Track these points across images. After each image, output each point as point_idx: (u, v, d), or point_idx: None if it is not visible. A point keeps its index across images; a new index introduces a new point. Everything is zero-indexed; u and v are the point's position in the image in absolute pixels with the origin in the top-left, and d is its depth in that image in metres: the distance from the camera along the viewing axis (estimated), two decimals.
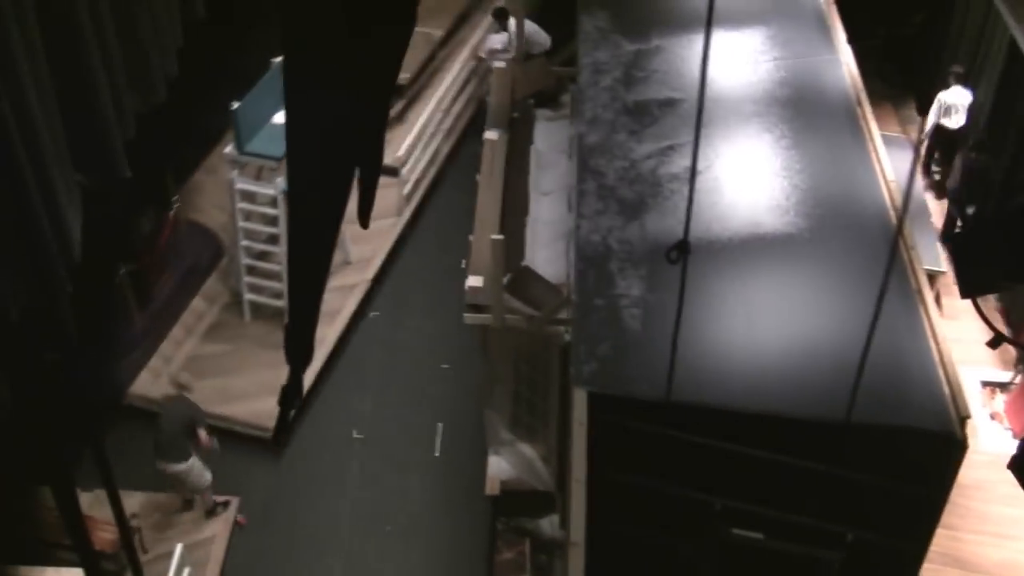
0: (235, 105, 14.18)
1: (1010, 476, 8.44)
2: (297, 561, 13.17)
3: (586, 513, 8.42)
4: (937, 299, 11.24)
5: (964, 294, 6.49)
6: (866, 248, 9.00)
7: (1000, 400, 13.08)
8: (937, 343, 8.26)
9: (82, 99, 10.22)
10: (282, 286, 15.04)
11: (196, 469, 12.89)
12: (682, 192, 9.57)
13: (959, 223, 13.94)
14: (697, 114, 6.22)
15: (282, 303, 15.07)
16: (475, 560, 13.01)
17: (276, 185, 14.59)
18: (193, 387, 13.11)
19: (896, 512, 8.01)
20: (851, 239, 9.17)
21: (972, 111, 15.86)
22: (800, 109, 10.59)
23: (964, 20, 16.41)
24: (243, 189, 14.99)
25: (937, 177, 16.59)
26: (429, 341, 15.69)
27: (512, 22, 16.72)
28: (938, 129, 16.17)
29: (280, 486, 13.83)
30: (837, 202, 9.52)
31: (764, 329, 8.40)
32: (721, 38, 11.25)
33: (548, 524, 12.10)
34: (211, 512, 13.29)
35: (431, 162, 18.61)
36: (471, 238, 11.44)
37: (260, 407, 13.82)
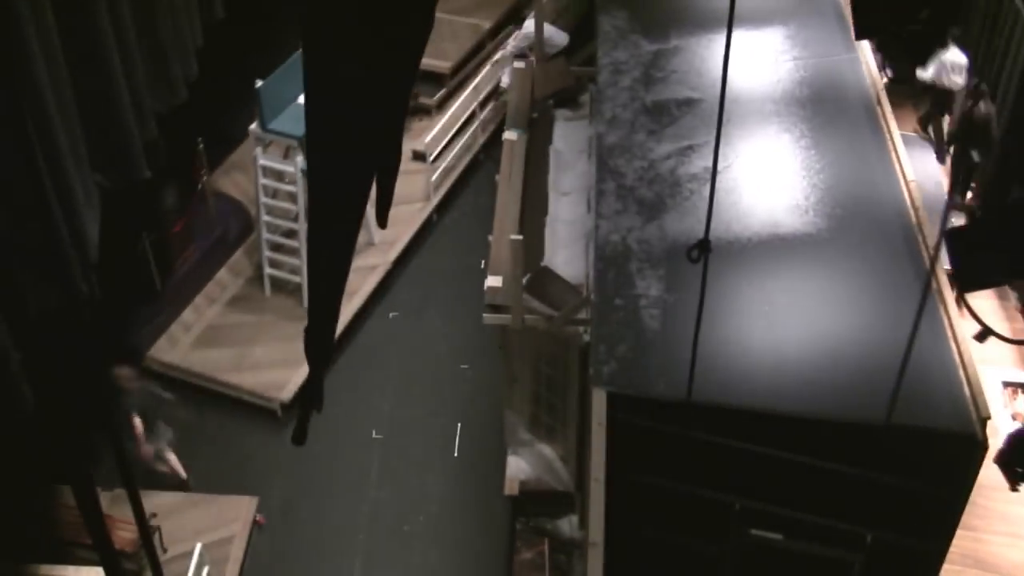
0: (259, 83, 14.44)
1: None
2: (316, 560, 13.19)
3: (605, 513, 8.42)
4: (958, 300, 11.20)
5: (961, 289, 6.48)
6: (886, 248, 8.98)
7: (1022, 400, 13.02)
8: (958, 343, 8.23)
9: (101, 100, 10.26)
10: (301, 263, 15.40)
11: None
12: (701, 192, 9.56)
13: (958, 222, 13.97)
14: (719, 114, 6.22)
15: (300, 279, 15.51)
16: (494, 560, 13.00)
17: (296, 163, 14.80)
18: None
19: (916, 513, 7.99)
20: (871, 239, 9.15)
21: (970, 71, 15.93)
22: (820, 109, 10.56)
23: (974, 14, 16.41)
24: (265, 165, 15.26)
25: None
26: (448, 341, 15.69)
27: (530, 23, 16.73)
28: (937, 90, 16.26)
29: (299, 486, 13.85)
30: (857, 202, 9.50)
31: (783, 329, 8.38)
32: (740, 38, 11.23)
33: (567, 524, 12.10)
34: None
35: (466, 151, 18.61)
36: (490, 238, 11.44)
37: (269, 378, 14.52)
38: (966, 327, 8.44)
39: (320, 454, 13.89)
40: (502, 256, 10.78)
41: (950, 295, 8.70)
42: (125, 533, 11.83)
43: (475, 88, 18.65)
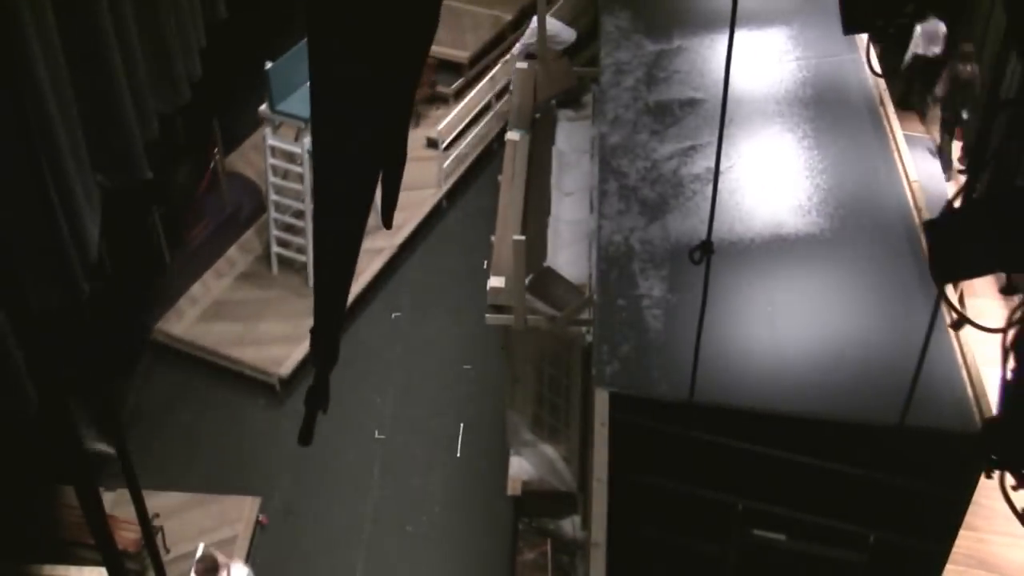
0: (269, 65, 14.73)
1: None
2: (318, 561, 13.20)
3: (607, 514, 8.42)
4: (961, 299, 11.18)
5: (938, 280, 6.47)
6: (888, 248, 8.97)
7: None
8: (960, 344, 8.23)
9: (102, 100, 10.26)
10: (307, 243, 15.76)
11: None
12: (704, 192, 9.56)
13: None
14: (721, 114, 6.21)
15: (306, 258, 15.88)
16: (496, 560, 13.01)
17: (304, 145, 15.01)
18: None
19: (919, 513, 7.99)
20: (873, 239, 9.15)
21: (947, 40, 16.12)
22: (822, 109, 10.56)
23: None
24: (274, 146, 15.57)
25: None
26: (451, 342, 15.70)
27: (534, 19, 16.71)
28: (917, 59, 16.37)
29: (302, 486, 13.86)
30: (860, 202, 9.50)
31: (786, 330, 8.38)
32: (743, 38, 11.22)
33: (570, 524, 12.10)
34: None
35: (479, 140, 18.72)
36: (493, 238, 11.44)
37: (269, 354, 15.03)
38: (970, 328, 8.43)
39: (323, 454, 13.90)
40: (505, 256, 10.77)
41: (954, 295, 8.70)
42: (128, 533, 11.85)
43: (492, 79, 18.74)
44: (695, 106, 10.61)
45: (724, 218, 9.22)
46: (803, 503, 8.14)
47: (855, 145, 10.17)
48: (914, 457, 7.76)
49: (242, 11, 12.88)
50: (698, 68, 11.10)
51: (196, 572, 11.35)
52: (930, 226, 6.20)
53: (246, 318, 15.76)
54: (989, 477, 7.22)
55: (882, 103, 10.63)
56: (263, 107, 15.34)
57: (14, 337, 8.78)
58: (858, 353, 8.08)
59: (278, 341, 15.21)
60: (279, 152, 15.68)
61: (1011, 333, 5.57)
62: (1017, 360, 5.52)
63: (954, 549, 8.19)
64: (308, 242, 15.66)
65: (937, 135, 16.51)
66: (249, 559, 12.91)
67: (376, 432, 14.49)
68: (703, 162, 9.91)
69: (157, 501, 12.38)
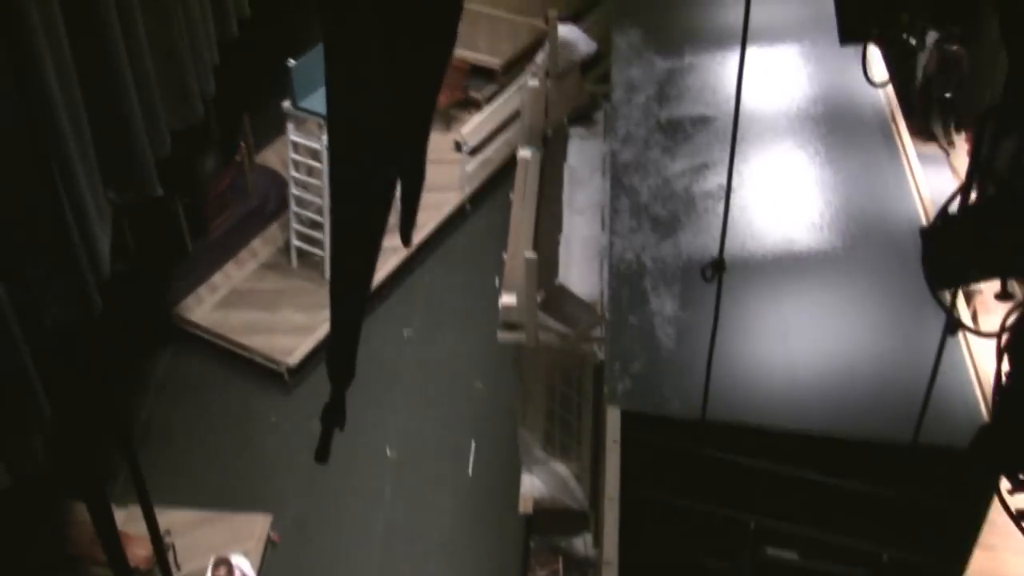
0: (292, 63, 15.11)
1: None
2: None
3: (619, 532, 8.40)
4: (974, 317, 11.13)
5: (932, 286, 6.45)
6: (901, 265, 8.95)
7: None
8: (974, 360, 8.20)
9: (114, 118, 10.30)
10: (324, 237, 16.16)
11: None
12: (715, 210, 9.55)
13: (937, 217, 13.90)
14: (732, 131, 6.21)
15: (324, 253, 16.18)
16: None
17: (322, 141, 15.29)
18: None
19: (933, 531, 7.95)
20: (886, 256, 9.13)
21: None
22: (834, 126, 10.55)
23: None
24: (296, 141, 16.07)
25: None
26: (462, 359, 15.70)
27: (562, 28, 16.73)
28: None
29: (313, 504, 13.86)
30: (872, 219, 9.48)
31: (799, 347, 8.36)
32: (755, 55, 11.22)
33: (581, 543, 12.07)
34: None
35: (505, 146, 18.70)
36: (504, 256, 11.44)
37: (279, 343, 15.57)
38: (984, 345, 8.41)
39: (334, 472, 13.80)
40: (516, 274, 10.77)
41: (967, 312, 8.67)
42: (139, 550, 11.84)
43: (522, 87, 18.66)
44: (707, 123, 10.61)
45: (736, 235, 9.21)
46: (816, 521, 8.11)
47: (867, 162, 10.15)
48: (927, 474, 7.73)
49: (278, 5, 13.08)
50: (710, 85, 11.10)
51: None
52: (925, 232, 6.19)
53: (262, 307, 16.27)
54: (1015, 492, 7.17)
55: (894, 119, 10.62)
56: (286, 103, 15.74)
57: (29, 353, 8.81)
58: (871, 370, 8.06)
59: (290, 331, 15.72)
60: (301, 148, 16.13)
61: (1005, 337, 5.54)
62: (1012, 364, 5.50)
63: (969, 568, 8.15)
64: (326, 237, 16.03)
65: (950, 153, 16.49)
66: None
67: (387, 450, 14.49)
68: (715, 179, 9.91)
69: (168, 518, 12.37)
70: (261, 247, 17.31)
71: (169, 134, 11.35)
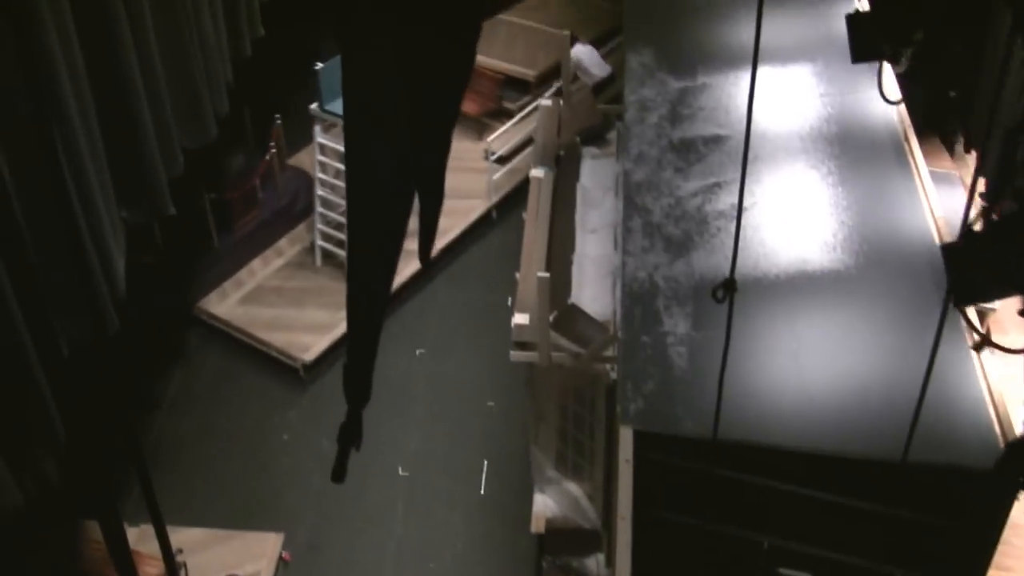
0: (319, 65, 15.45)
1: None
2: None
3: (632, 552, 8.38)
4: (988, 333, 11.11)
5: (958, 303, 6.43)
6: (914, 285, 8.94)
7: None
8: (987, 380, 8.18)
9: (128, 137, 10.35)
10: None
11: None
12: (728, 229, 9.55)
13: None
14: (744, 151, 6.22)
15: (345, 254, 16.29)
16: None
17: None
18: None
19: (946, 552, 7.92)
20: (899, 276, 9.12)
21: None
22: (847, 145, 10.55)
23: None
24: (323, 143, 16.46)
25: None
26: (475, 379, 15.69)
27: (579, 48, 16.80)
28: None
29: (325, 523, 13.84)
30: (885, 239, 9.47)
31: (811, 367, 8.34)
32: (767, 74, 11.24)
33: (594, 563, 12.02)
34: None
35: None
36: (517, 275, 11.45)
37: (297, 340, 15.88)
38: (998, 364, 8.39)
39: (346, 491, 13.79)
40: (529, 293, 10.77)
41: (980, 331, 8.64)
42: (151, 569, 11.84)
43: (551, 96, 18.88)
44: (720, 143, 10.62)
45: (748, 255, 9.21)
46: (829, 541, 8.08)
47: (880, 181, 10.15)
48: (941, 495, 7.70)
49: (318, 5, 13.26)
50: (723, 105, 11.11)
51: None
52: (947, 249, 6.19)
53: (284, 305, 16.57)
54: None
55: (907, 139, 10.62)
56: (313, 106, 16.07)
57: (44, 374, 8.83)
58: (883, 390, 8.04)
59: (309, 329, 15.99)
60: (328, 150, 16.46)
61: None
62: None
63: None
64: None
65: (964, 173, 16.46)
66: None
67: (400, 469, 14.48)
68: (728, 199, 9.91)
69: (180, 536, 12.37)
70: (288, 246, 17.60)
71: (182, 153, 11.40)
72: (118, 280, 10.08)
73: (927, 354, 8.01)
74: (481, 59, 19.74)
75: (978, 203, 15.86)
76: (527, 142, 18.56)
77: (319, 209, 16.94)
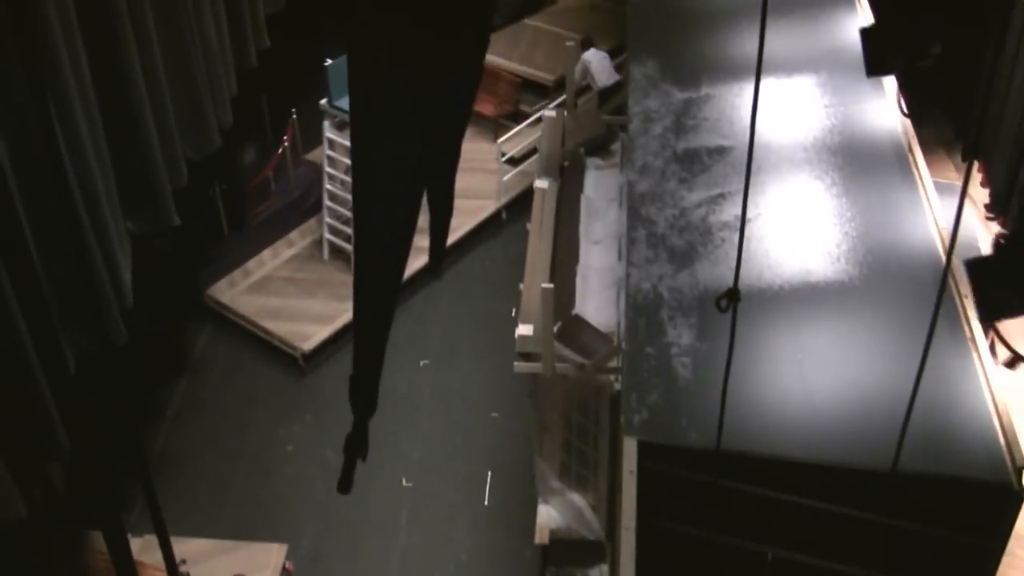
0: (329, 62, 15.82)
1: None
2: None
3: (636, 562, 8.36)
4: (992, 347, 11.10)
5: (986, 318, 6.43)
6: (918, 296, 8.92)
7: None
8: (992, 391, 8.17)
9: (133, 149, 10.38)
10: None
11: None
12: (732, 240, 9.55)
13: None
14: (747, 161, 6.22)
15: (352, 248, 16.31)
16: None
17: None
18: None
19: (951, 564, 7.90)
20: (903, 287, 9.11)
21: None
22: (851, 156, 10.55)
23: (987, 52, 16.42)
24: (332, 138, 16.87)
25: (994, 226, 16.40)
26: (478, 390, 15.69)
27: (588, 54, 16.86)
28: None
29: (328, 533, 13.83)
30: (889, 249, 9.47)
31: (816, 378, 8.33)
32: (771, 85, 11.25)
33: (598, 573, 12.01)
34: None
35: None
36: (521, 286, 11.45)
37: (299, 329, 16.36)
38: (1002, 375, 8.38)
39: (350, 502, 13.81)
40: (533, 304, 10.77)
41: (984, 343, 8.64)
42: None
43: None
44: (723, 154, 10.63)
45: (753, 266, 9.21)
46: (833, 553, 8.07)
47: (884, 192, 10.15)
48: (945, 507, 7.69)
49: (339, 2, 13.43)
50: (726, 116, 11.12)
51: None
52: (972, 265, 6.19)
53: (289, 295, 17.06)
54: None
55: (910, 150, 10.62)
56: (323, 101, 16.46)
57: (48, 385, 8.84)
58: (887, 401, 8.02)
59: (311, 319, 16.48)
60: (338, 146, 16.78)
61: None
62: None
63: None
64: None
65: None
66: None
67: (403, 479, 14.48)
68: (732, 210, 9.91)
69: (184, 547, 12.37)
70: (299, 238, 18.07)
71: (185, 164, 11.43)
72: (125, 291, 10.10)
73: (932, 365, 8.02)
74: (500, 62, 20.03)
75: (981, 214, 15.91)
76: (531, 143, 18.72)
77: (327, 203, 17.31)
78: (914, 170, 10.41)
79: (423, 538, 13.84)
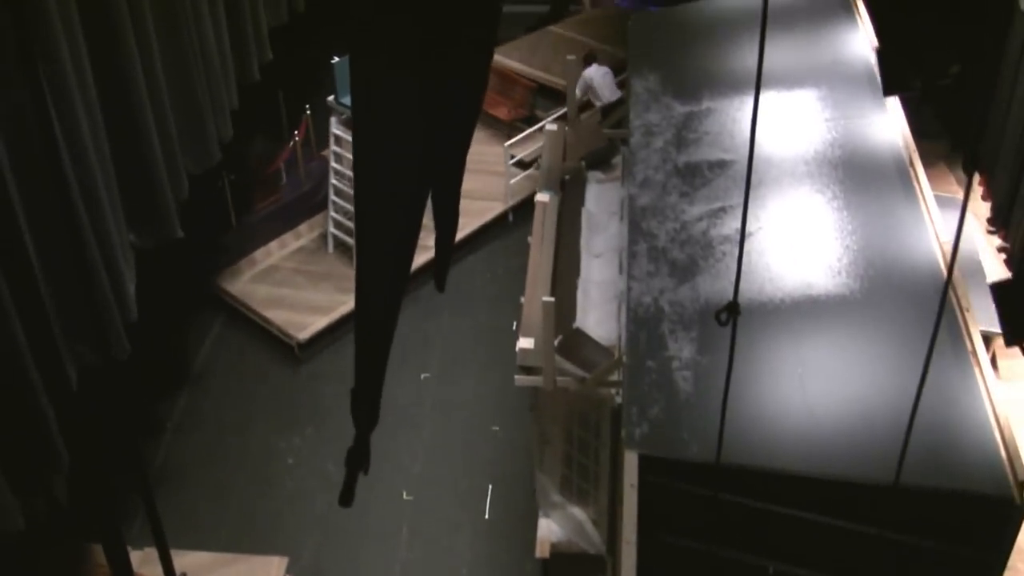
0: (336, 59, 16.14)
1: None
2: None
3: None
4: (993, 361, 11.10)
5: (1010, 342, 6.44)
6: (919, 309, 8.93)
7: None
8: (993, 405, 8.16)
9: (137, 163, 10.41)
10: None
11: None
12: (733, 254, 9.56)
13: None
14: (747, 175, 6.22)
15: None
16: None
17: None
18: None
19: None
20: (904, 300, 9.11)
21: None
22: (852, 170, 10.56)
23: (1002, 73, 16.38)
24: (337, 134, 17.16)
25: (999, 241, 16.43)
26: (479, 403, 15.68)
27: (591, 69, 16.91)
28: None
29: (329, 547, 13.81)
30: (889, 263, 9.47)
31: (816, 391, 8.33)
32: (772, 99, 11.26)
33: None
34: None
35: None
36: (522, 300, 11.45)
37: (297, 319, 16.66)
38: (1003, 389, 8.37)
39: (350, 515, 13.79)
40: (534, 318, 10.78)
41: (986, 356, 8.64)
42: None
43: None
44: (724, 167, 10.63)
45: (754, 279, 9.21)
46: (834, 566, 8.05)
47: (885, 206, 10.15)
48: (947, 520, 7.68)
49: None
50: (727, 129, 11.13)
51: None
52: (996, 289, 6.20)
53: (291, 286, 17.36)
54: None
55: (911, 163, 10.62)
56: (330, 98, 16.80)
57: (49, 398, 8.84)
58: (888, 415, 8.02)
59: (308, 310, 16.77)
60: (344, 142, 17.00)
61: None
62: None
63: None
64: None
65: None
66: None
67: (404, 493, 14.45)
68: (733, 223, 9.91)
69: (185, 560, 12.36)
70: (307, 231, 18.39)
71: (187, 178, 11.46)
72: (129, 304, 10.12)
73: (933, 379, 8.01)
74: (518, 67, 20.29)
75: (983, 227, 15.87)
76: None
77: (332, 198, 17.56)
78: (915, 183, 10.41)
79: (424, 551, 13.81)
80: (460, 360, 16.45)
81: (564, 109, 19.34)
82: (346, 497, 7.22)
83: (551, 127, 13.89)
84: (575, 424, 11.13)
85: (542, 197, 12.49)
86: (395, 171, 5.91)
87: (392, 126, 5.71)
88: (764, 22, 5.13)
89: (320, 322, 16.47)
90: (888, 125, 11.15)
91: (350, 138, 16.31)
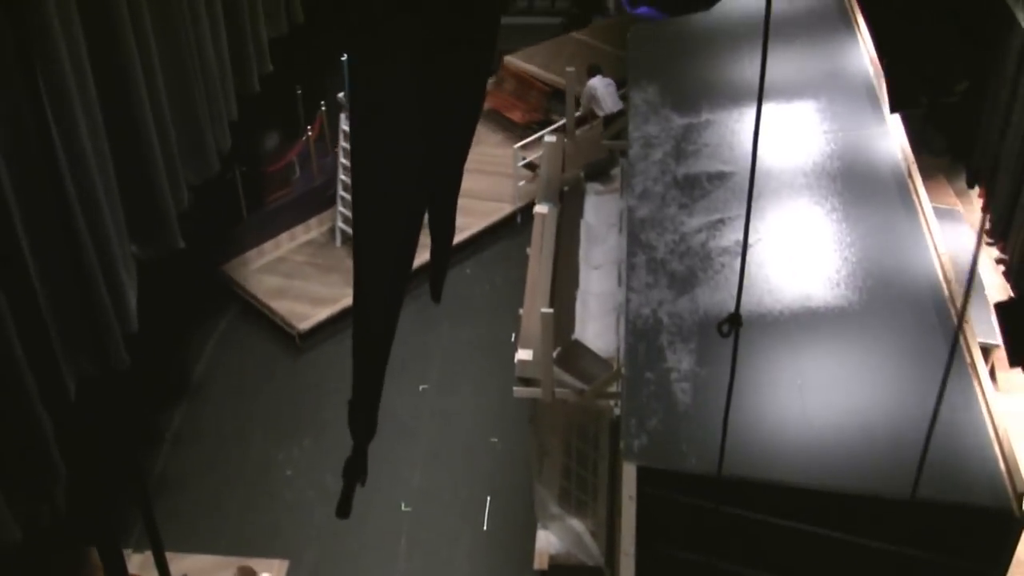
0: (344, 57, 16.00)
1: None
2: None
3: None
4: (992, 373, 11.09)
5: (1014, 362, 6.42)
6: (918, 321, 8.93)
7: None
8: (992, 418, 8.16)
9: (139, 174, 10.42)
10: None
11: None
12: (732, 266, 9.56)
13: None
14: (748, 187, 6.23)
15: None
16: None
17: None
18: None
19: None
20: (903, 312, 9.11)
21: None
22: (851, 182, 10.56)
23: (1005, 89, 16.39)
24: (346, 131, 17.11)
25: (996, 252, 16.44)
26: (478, 414, 15.66)
27: (595, 81, 16.94)
28: None
29: (327, 558, 13.79)
30: (889, 275, 9.47)
31: (816, 403, 8.33)
32: (771, 111, 11.27)
33: None
34: None
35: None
36: (521, 311, 11.45)
37: (299, 310, 16.97)
38: (1002, 402, 8.37)
39: (349, 526, 13.77)
40: (533, 329, 10.78)
41: (985, 369, 8.64)
42: None
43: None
44: (724, 179, 10.64)
45: (753, 291, 9.21)
46: None
47: (884, 218, 10.16)
48: (946, 533, 7.67)
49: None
50: (727, 141, 11.14)
51: None
52: (1001, 308, 6.19)
53: (296, 277, 17.65)
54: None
55: (910, 175, 10.63)
56: (340, 95, 17.02)
57: (47, 409, 8.83)
58: (888, 427, 8.03)
59: (311, 301, 17.06)
60: (347, 135, 17.06)
61: None
62: None
63: None
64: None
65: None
66: None
67: (403, 504, 14.43)
68: (732, 235, 9.92)
69: (184, 563, 12.36)
70: (317, 225, 18.64)
71: (187, 188, 11.47)
72: (130, 316, 10.11)
73: (932, 390, 8.01)
74: (536, 71, 20.35)
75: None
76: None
77: (341, 193, 17.74)
78: (914, 195, 10.42)
79: (422, 563, 13.78)
80: (459, 371, 16.44)
81: (578, 113, 19.55)
82: (344, 508, 7.21)
83: (550, 139, 13.90)
84: (574, 436, 11.13)
85: (541, 209, 12.50)
86: (394, 173, 5.91)
87: (391, 127, 5.71)
88: (766, 34, 5.14)
89: (322, 313, 16.73)
90: (887, 137, 11.16)
91: None
